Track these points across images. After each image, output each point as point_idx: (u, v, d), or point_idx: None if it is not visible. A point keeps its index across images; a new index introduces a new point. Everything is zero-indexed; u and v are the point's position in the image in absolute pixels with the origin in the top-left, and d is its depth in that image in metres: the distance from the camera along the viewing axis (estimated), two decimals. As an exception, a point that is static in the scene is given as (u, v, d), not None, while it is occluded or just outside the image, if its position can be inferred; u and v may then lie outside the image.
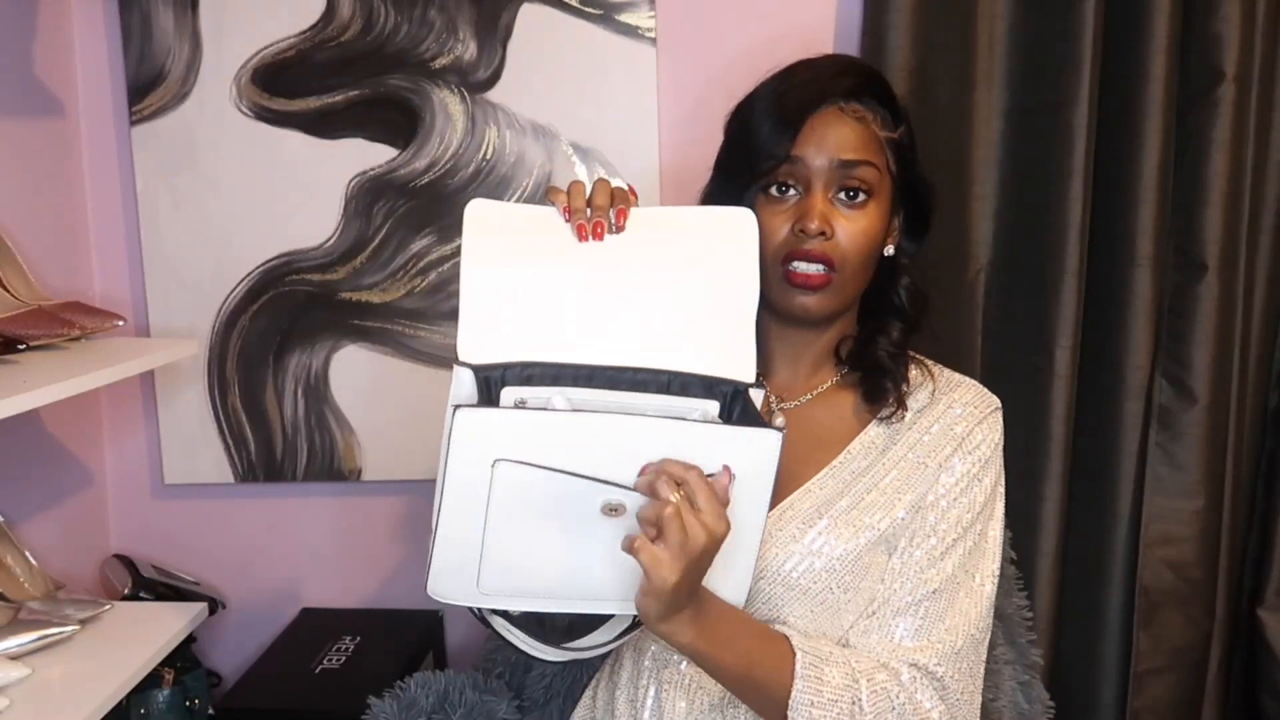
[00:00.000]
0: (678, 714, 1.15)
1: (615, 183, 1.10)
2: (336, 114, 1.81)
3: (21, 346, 1.42)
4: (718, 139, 1.22)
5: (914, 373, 1.21)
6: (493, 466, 0.91)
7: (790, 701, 1.04)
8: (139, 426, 1.94)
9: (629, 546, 0.92)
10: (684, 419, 0.96)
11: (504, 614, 1.05)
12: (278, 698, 1.71)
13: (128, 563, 1.87)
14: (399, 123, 1.81)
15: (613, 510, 0.93)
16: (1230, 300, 1.68)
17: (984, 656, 1.16)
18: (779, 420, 1.19)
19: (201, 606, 1.70)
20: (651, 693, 1.17)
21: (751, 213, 1.11)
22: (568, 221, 1.06)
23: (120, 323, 1.61)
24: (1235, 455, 1.73)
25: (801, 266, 1.12)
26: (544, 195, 1.13)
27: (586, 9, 1.76)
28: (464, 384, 0.99)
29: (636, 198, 1.11)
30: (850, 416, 1.20)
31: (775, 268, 1.12)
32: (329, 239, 1.84)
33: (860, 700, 1.06)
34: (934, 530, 1.14)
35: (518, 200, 1.80)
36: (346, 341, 1.87)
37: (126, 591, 1.79)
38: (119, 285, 1.90)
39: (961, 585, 1.14)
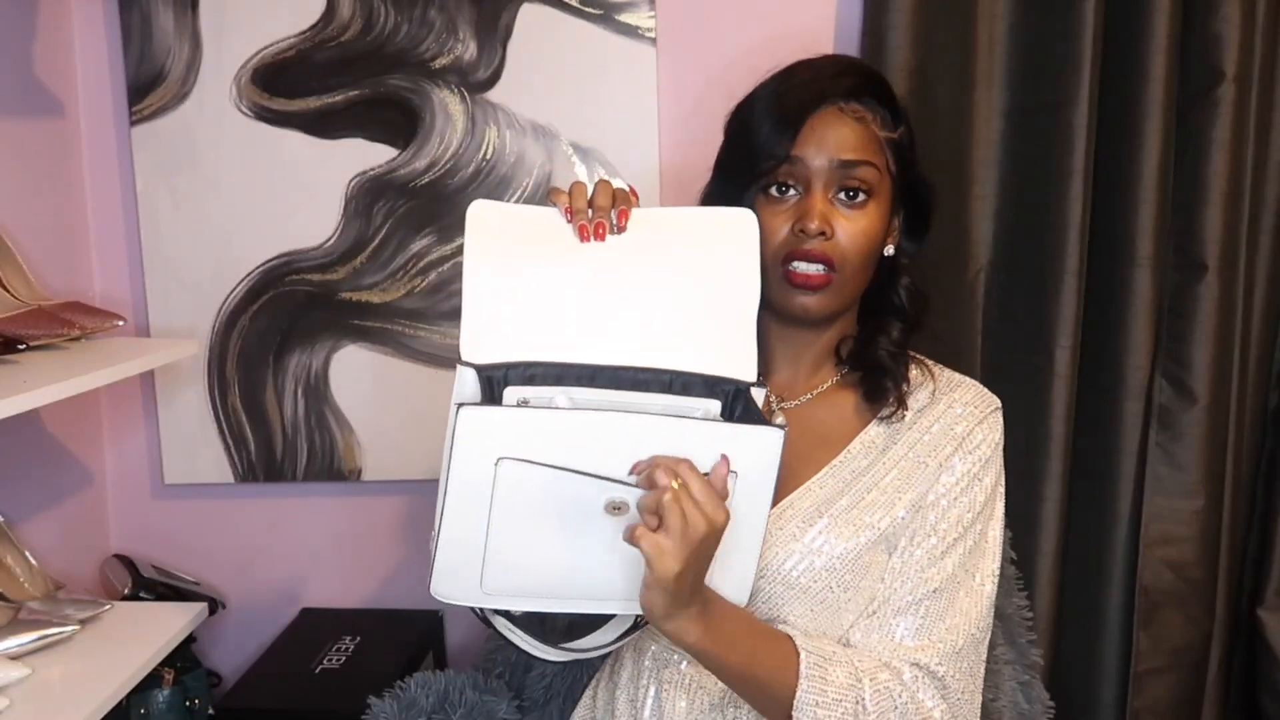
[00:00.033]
0: (678, 714, 1.15)
1: (616, 183, 1.10)
2: (336, 114, 1.81)
3: (21, 346, 1.42)
4: (718, 139, 1.22)
5: (914, 372, 1.21)
6: (496, 465, 0.91)
7: (795, 701, 1.04)
8: (139, 426, 1.94)
9: (631, 536, 0.92)
10: (687, 417, 0.96)
11: (506, 614, 1.05)
12: (278, 698, 1.71)
13: (128, 563, 1.87)
14: (399, 123, 1.81)
15: (616, 509, 0.93)
16: (1230, 300, 1.68)
17: (984, 656, 1.16)
18: (779, 419, 1.19)
19: (201, 606, 1.70)
20: (652, 692, 1.18)
21: (752, 213, 1.11)
22: (569, 222, 1.06)
23: (120, 323, 1.61)
24: (1235, 455, 1.73)
25: (801, 266, 1.12)
26: (545, 196, 1.14)
27: (586, 9, 1.76)
28: (467, 384, 0.99)
29: (638, 198, 1.11)
30: (850, 416, 1.20)
31: (775, 268, 1.12)
32: (329, 239, 1.84)
33: (864, 700, 1.06)
34: (934, 529, 1.14)
35: (518, 200, 1.80)
36: (346, 341, 1.87)
37: (126, 591, 1.79)
38: (119, 285, 1.90)
39: (962, 584, 1.14)
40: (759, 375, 1.05)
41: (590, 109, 1.79)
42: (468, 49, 1.79)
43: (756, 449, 0.94)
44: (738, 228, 1.10)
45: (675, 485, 0.90)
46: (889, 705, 1.07)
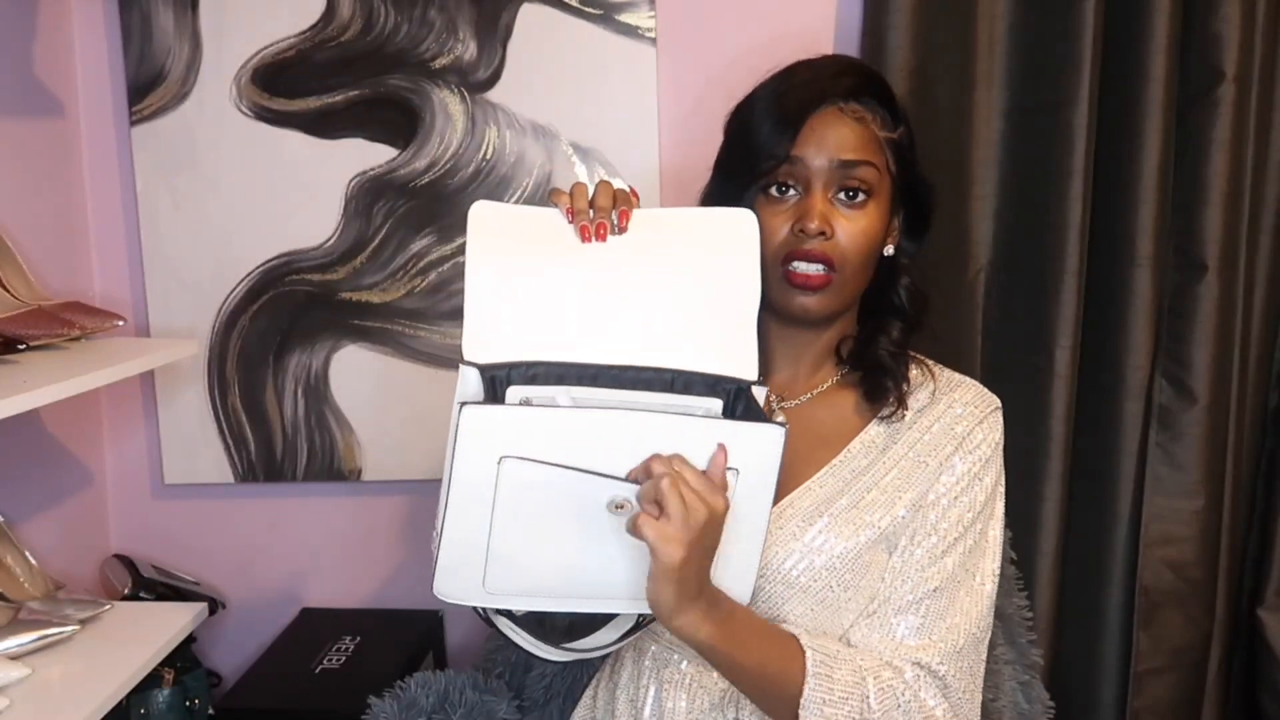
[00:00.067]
0: (678, 713, 1.15)
1: (617, 184, 1.11)
2: (336, 114, 1.81)
3: (21, 346, 1.42)
4: (718, 139, 1.22)
5: (914, 372, 1.21)
6: (498, 464, 0.91)
7: (802, 700, 1.04)
8: (139, 426, 1.94)
9: (634, 526, 0.92)
10: (689, 414, 0.96)
11: (508, 614, 1.05)
12: (278, 698, 1.71)
13: (128, 563, 1.87)
14: (399, 123, 1.81)
15: (619, 507, 0.93)
16: (1230, 300, 1.68)
17: (985, 655, 1.16)
18: (780, 419, 1.19)
19: (201, 606, 1.70)
20: (652, 692, 1.18)
21: (752, 214, 1.11)
22: (570, 223, 1.06)
23: (120, 323, 1.61)
24: (1235, 455, 1.73)
25: (801, 266, 1.12)
26: (546, 196, 1.14)
27: (586, 9, 1.76)
28: (470, 383, 0.99)
29: (638, 199, 1.11)
30: (851, 415, 1.20)
31: (775, 268, 1.12)
32: (329, 239, 1.84)
33: (869, 698, 1.06)
34: (935, 529, 1.14)
35: (518, 200, 1.80)
36: (346, 341, 1.87)
37: (126, 591, 1.79)
38: (119, 285, 1.90)
39: (962, 584, 1.14)
40: (759, 375, 1.06)
41: (590, 109, 1.79)
42: (468, 49, 1.79)
43: (758, 446, 0.94)
44: (738, 228, 1.10)
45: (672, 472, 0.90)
46: (892, 704, 1.07)
